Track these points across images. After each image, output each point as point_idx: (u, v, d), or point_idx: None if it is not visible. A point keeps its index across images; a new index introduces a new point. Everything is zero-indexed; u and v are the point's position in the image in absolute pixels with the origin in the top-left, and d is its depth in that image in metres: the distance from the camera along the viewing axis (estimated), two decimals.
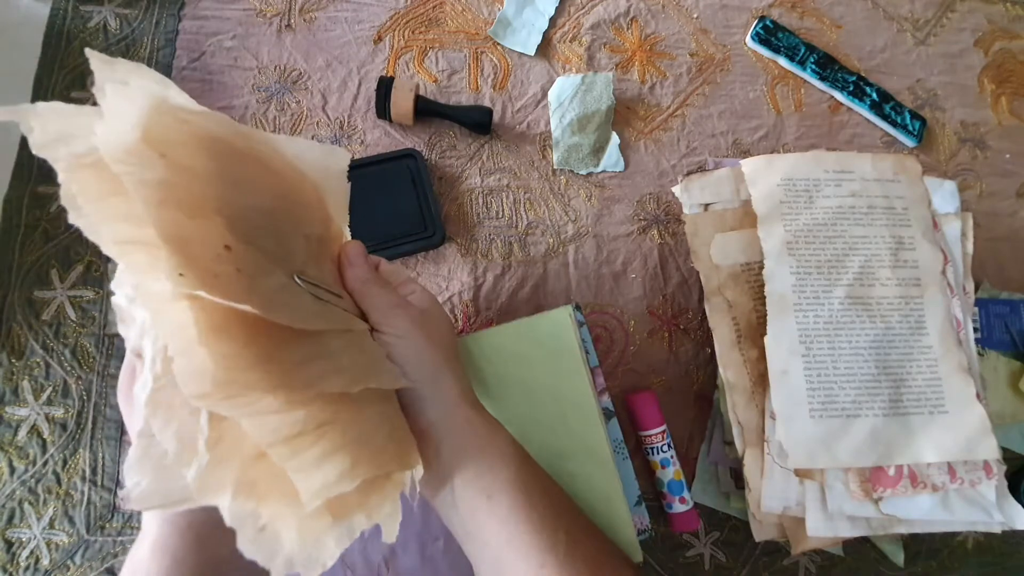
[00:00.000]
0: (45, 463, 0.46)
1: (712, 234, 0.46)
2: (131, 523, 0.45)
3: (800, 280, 0.43)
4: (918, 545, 0.49)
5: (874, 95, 0.57)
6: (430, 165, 0.52)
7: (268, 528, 0.24)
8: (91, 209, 0.24)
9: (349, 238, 0.36)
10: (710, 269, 0.46)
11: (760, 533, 0.42)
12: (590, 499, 0.40)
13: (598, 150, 0.54)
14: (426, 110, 0.52)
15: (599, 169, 0.54)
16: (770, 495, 0.41)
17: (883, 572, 0.48)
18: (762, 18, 0.59)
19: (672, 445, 0.46)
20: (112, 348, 0.48)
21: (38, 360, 0.47)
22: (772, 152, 0.55)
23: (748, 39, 0.59)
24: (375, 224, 0.49)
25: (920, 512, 0.41)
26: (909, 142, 0.57)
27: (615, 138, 0.54)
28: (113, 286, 0.28)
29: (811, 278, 0.44)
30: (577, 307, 0.45)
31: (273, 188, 0.31)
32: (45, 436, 0.46)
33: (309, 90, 0.54)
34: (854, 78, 0.58)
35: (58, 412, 0.47)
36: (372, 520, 0.27)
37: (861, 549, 0.48)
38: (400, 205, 0.50)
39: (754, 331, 0.44)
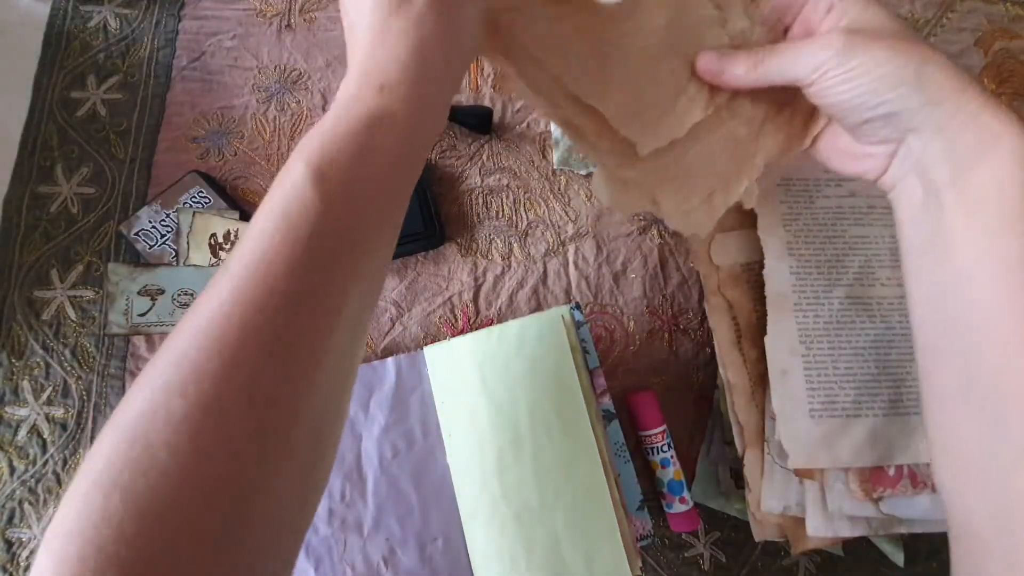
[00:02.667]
0: (45, 463, 0.46)
1: (712, 234, 0.46)
2: None
3: (800, 280, 0.43)
4: (918, 545, 0.49)
5: None
6: (430, 165, 0.52)
7: None
8: None
9: None
10: (709, 269, 0.46)
11: (760, 533, 0.42)
12: (581, 505, 0.40)
13: None
14: None
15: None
16: (770, 495, 0.41)
17: (883, 572, 0.48)
18: None
19: (672, 445, 0.46)
20: (112, 348, 0.48)
21: (38, 360, 0.47)
22: None
23: None
24: None
25: (920, 512, 0.41)
26: None
27: None
28: None
29: (811, 278, 0.44)
30: (577, 306, 0.45)
31: None
32: (45, 436, 0.46)
33: (309, 90, 0.54)
34: None
35: (58, 412, 0.47)
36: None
37: (861, 549, 0.48)
38: None
39: (754, 331, 0.44)
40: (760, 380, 0.43)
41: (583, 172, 0.54)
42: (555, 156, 0.54)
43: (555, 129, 0.54)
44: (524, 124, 0.55)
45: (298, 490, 0.23)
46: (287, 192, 0.23)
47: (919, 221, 0.29)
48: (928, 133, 0.28)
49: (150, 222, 0.49)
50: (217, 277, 0.22)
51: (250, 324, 0.21)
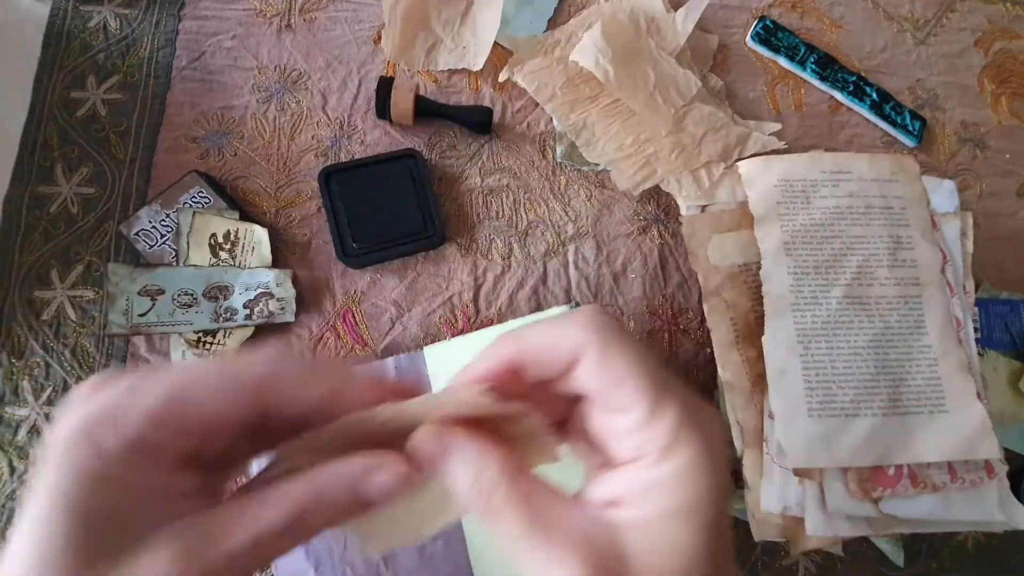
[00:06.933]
0: None
1: (709, 235, 0.46)
2: None
3: (798, 280, 0.43)
4: (918, 545, 0.49)
5: (874, 95, 0.57)
6: (430, 165, 0.53)
7: None
8: None
9: None
10: (708, 270, 0.46)
11: (760, 533, 0.42)
12: None
13: None
14: (426, 110, 0.52)
15: (601, 166, 0.54)
16: (769, 495, 0.41)
17: (883, 572, 0.48)
18: (762, 18, 0.59)
19: None
20: (112, 348, 0.48)
21: (38, 360, 0.47)
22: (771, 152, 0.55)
23: (748, 39, 0.59)
24: (375, 224, 0.49)
25: (920, 512, 0.41)
26: (909, 142, 0.57)
27: None
28: None
29: (808, 278, 0.44)
30: (577, 306, 0.45)
31: None
32: (45, 436, 0.46)
33: (309, 90, 0.54)
34: (854, 78, 0.58)
35: (58, 412, 0.47)
36: None
37: (861, 549, 0.48)
38: (400, 205, 0.50)
39: (752, 331, 0.44)
40: (758, 380, 0.43)
41: (585, 169, 0.54)
42: (558, 150, 0.54)
43: (558, 123, 0.54)
44: (524, 124, 0.55)
45: None
46: None
47: None
48: None
49: (150, 222, 0.49)
50: None
51: None
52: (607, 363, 0.18)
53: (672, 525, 0.16)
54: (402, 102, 0.51)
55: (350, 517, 0.18)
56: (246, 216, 0.50)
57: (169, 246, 0.49)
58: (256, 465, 0.21)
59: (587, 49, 0.52)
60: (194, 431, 0.18)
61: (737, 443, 0.43)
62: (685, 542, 0.16)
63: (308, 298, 0.49)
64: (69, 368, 0.47)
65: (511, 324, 0.44)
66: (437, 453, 0.18)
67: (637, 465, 0.18)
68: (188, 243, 0.48)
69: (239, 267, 0.48)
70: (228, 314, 0.47)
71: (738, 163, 0.48)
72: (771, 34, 0.58)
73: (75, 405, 0.18)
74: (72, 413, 0.18)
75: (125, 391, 0.18)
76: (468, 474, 0.18)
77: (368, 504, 0.18)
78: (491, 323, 0.50)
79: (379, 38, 0.56)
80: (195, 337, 0.47)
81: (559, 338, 0.19)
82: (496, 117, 0.54)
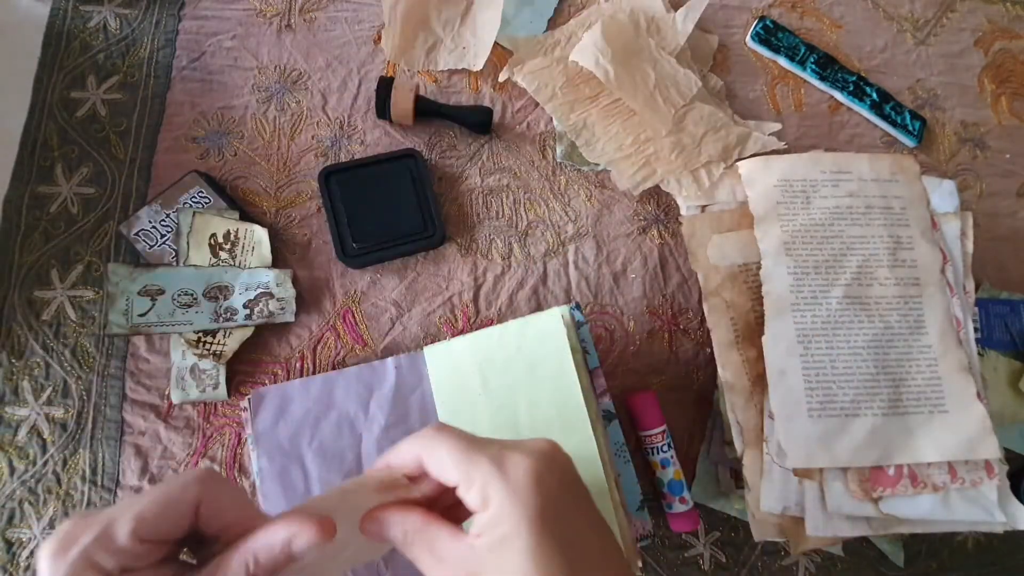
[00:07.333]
0: (45, 463, 0.46)
1: (709, 235, 0.46)
2: None
3: (798, 280, 0.43)
4: (918, 545, 0.49)
5: (874, 95, 0.57)
6: (430, 165, 0.53)
7: None
8: None
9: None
10: (708, 270, 0.46)
11: (760, 533, 0.42)
12: None
13: None
14: (426, 110, 0.52)
15: (601, 166, 0.54)
16: (769, 495, 0.41)
17: (883, 572, 0.48)
18: (762, 18, 0.59)
19: (672, 445, 0.46)
20: (112, 348, 0.48)
21: (38, 360, 0.47)
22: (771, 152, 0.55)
23: (748, 39, 0.59)
24: (375, 224, 0.49)
25: (920, 512, 0.41)
26: (909, 142, 0.57)
27: None
28: None
29: (809, 278, 0.44)
30: (577, 306, 0.45)
31: None
32: (45, 436, 0.46)
33: (309, 90, 0.54)
34: (854, 78, 0.58)
35: (58, 412, 0.47)
36: None
37: (861, 549, 0.48)
38: (400, 205, 0.50)
39: (752, 331, 0.44)
40: (759, 380, 0.43)
41: (585, 169, 0.54)
42: (558, 150, 0.54)
43: (558, 123, 0.54)
44: (524, 124, 0.55)
45: None
46: None
47: None
48: None
49: (150, 222, 0.49)
50: None
51: None
52: (433, 459, 0.28)
53: (504, 550, 0.25)
54: (402, 102, 0.51)
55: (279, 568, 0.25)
56: (246, 216, 0.50)
57: (169, 246, 0.49)
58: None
59: (587, 49, 0.52)
60: (158, 541, 0.23)
61: (737, 443, 0.43)
62: (516, 559, 0.25)
63: (308, 298, 0.49)
64: (69, 368, 0.47)
65: (511, 324, 0.43)
66: (379, 530, 0.27)
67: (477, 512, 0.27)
68: (188, 243, 0.48)
69: (239, 267, 0.48)
70: (228, 314, 0.47)
71: (738, 163, 0.48)
72: (771, 34, 0.58)
73: (64, 539, 0.22)
74: (62, 545, 0.22)
75: (103, 525, 0.22)
76: (399, 534, 0.27)
77: (294, 557, 0.24)
78: (491, 323, 0.50)
79: (379, 38, 0.56)
80: (195, 337, 0.47)
81: (404, 451, 0.29)
82: (496, 117, 0.54)
